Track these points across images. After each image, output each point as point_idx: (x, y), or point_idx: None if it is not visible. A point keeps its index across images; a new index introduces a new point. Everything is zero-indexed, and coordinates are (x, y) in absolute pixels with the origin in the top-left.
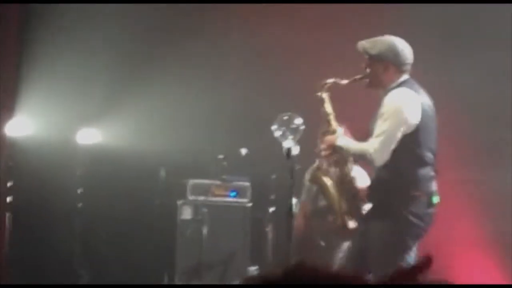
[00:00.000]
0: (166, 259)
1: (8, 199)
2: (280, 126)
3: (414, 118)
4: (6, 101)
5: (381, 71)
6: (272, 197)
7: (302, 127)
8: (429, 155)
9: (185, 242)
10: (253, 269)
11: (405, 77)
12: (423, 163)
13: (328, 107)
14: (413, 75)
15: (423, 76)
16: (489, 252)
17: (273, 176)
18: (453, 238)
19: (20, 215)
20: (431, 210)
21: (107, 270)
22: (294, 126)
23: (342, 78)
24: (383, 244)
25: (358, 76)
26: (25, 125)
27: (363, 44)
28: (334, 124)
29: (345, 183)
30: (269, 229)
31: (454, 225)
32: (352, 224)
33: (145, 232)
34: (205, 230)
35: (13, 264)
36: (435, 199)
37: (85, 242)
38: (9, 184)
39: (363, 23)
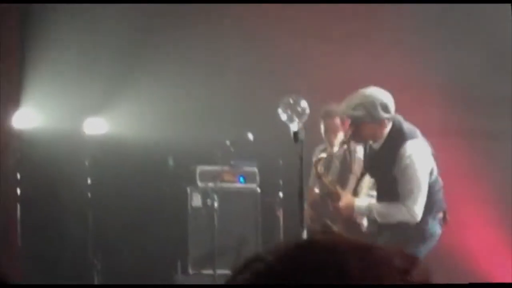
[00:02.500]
0: (178, 246)
1: (18, 191)
2: (285, 109)
3: (431, 163)
4: (12, 93)
5: (378, 130)
6: (280, 181)
7: (308, 110)
8: (439, 181)
9: (197, 228)
10: None
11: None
12: (438, 190)
13: (326, 179)
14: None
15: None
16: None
17: (280, 161)
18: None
19: (30, 207)
20: (440, 230)
21: (119, 259)
22: (299, 109)
23: (331, 149)
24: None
25: (346, 138)
26: (31, 117)
27: (351, 111)
28: (336, 189)
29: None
30: (279, 213)
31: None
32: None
33: (156, 220)
34: (216, 216)
35: (23, 255)
36: (447, 217)
37: (96, 232)
38: (18, 176)
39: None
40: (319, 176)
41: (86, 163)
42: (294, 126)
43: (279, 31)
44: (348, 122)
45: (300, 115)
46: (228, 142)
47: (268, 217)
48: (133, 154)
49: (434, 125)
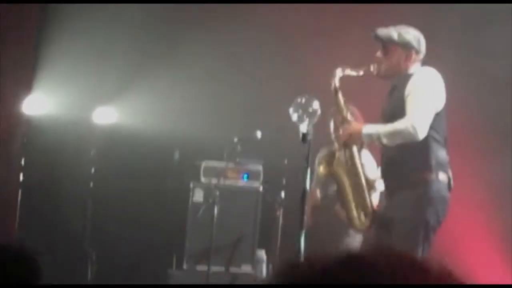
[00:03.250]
0: (176, 240)
1: (20, 176)
2: (296, 109)
3: (442, 98)
4: (25, 78)
5: (403, 59)
6: (284, 181)
7: (319, 111)
8: (445, 141)
9: (196, 224)
10: (261, 253)
11: (419, 66)
12: (444, 146)
13: (342, 99)
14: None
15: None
16: (498, 246)
17: (285, 161)
18: (463, 231)
19: (31, 193)
20: (449, 195)
21: (115, 250)
22: (311, 110)
23: (357, 68)
24: (407, 226)
25: (374, 65)
26: (41, 103)
27: (385, 32)
28: (349, 115)
29: (357, 175)
30: (279, 213)
31: (465, 218)
32: (367, 221)
33: (156, 213)
34: (216, 213)
35: (22, 241)
36: (452, 184)
37: (95, 222)
38: (22, 162)
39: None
40: (336, 92)
41: (92, 152)
42: (303, 127)
43: (293, 30)
44: (360, 118)
45: (311, 116)
46: (235, 139)
47: (267, 216)
48: (139, 146)
49: None
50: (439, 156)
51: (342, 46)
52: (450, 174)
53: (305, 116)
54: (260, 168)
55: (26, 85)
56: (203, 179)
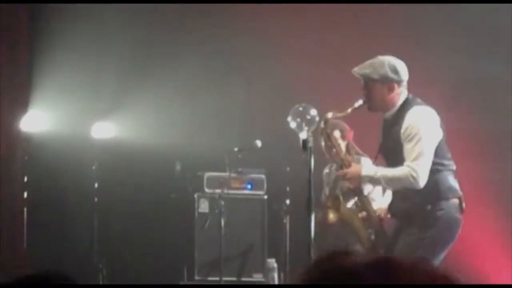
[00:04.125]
0: (185, 252)
1: (25, 194)
2: (295, 117)
3: (439, 132)
4: (21, 96)
5: (386, 93)
6: (288, 189)
7: (317, 118)
8: (452, 163)
9: (203, 235)
10: (271, 261)
11: (406, 93)
12: (450, 170)
13: (334, 141)
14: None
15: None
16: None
17: (288, 168)
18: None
19: (36, 210)
20: (460, 216)
21: (125, 264)
22: (309, 117)
23: (343, 109)
24: (416, 246)
25: (359, 103)
26: (39, 120)
27: (361, 70)
28: (346, 156)
29: (365, 209)
30: (286, 221)
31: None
32: (380, 249)
33: (163, 226)
34: (222, 223)
35: (30, 258)
36: (464, 205)
37: (102, 236)
38: (25, 179)
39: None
40: (329, 137)
41: (94, 167)
42: (303, 134)
43: (290, 38)
44: (350, 133)
45: (309, 123)
46: (236, 149)
47: (274, 224)
48: (141, 159)
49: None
50: (448, 182)
51: (340, 54)
52: (461, 195)
53: (303, 124)
54: (263, 176)
55: (23, 103)
56: (207, 190)
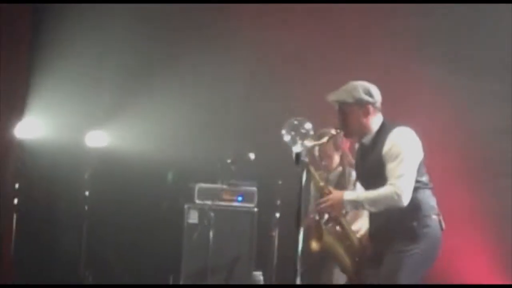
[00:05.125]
0: (172, 262)
1: (15, 200)
2: (289, 130)
3: (421, 153)
4: (16, 103)
5: (362, 116)
6: (278, 202)
7: (312, 132)
8: (429, 181)
9: (192, 245)
10: (257, 274)
11: (381, 117)
12: (429, 188)
13: (312, 171)
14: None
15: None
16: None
17: (280, 182)
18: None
19: (25, 217)
20: (441, 233)
21: (112, 273)
22: (303, 131)
23: (321, 137)
24: (398, 262)
25: (335, 131)
26: (34, 127)
27: (335, 96)
28: (325, 185)
29: (348, 238)
30: (275, 234)
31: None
32: (367, 272)
33: (152, 235)
34: (211, 234)
35: (18, 265)
36: (443, 224)
37: (90, 245)
38: (16, 186)
39: (371, 29)
40: (306, 166)
41: (86, 175)
42: (297, 148)
43: (285, 52)
44: (345, 142)
45: (303, 137)
46: (229, 161)
47: (263, 237)
48: (133, 169)
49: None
50: (429, 199)
51: (337, 68)
52: (440, 213)
53: (297, 138)
54: (254, 189)
55: (18, 110)
56: (197, 201)
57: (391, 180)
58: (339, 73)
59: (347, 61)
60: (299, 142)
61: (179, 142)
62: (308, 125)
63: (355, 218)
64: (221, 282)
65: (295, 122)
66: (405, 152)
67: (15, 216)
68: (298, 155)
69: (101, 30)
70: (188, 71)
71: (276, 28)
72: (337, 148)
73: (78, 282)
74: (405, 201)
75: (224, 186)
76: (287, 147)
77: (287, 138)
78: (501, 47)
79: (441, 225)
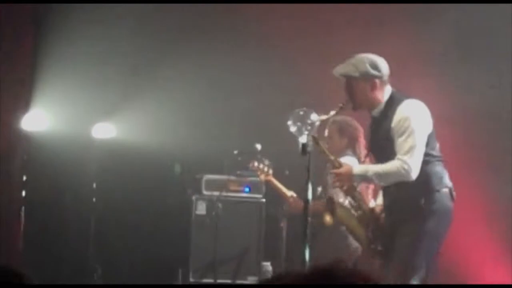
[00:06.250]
0: (180, 254)
1: (23, 193)
2: (295, 121)
3: (430, 125)
4: (23, 95)
5: (369, 90)
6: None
7: (318, 123)
8: (439, 154)
9: (200, 237)
10: (266, 264)
11: (390, 89)
12: (439, 161)
13: (323, 145)
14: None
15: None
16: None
17: (287, 172)
18: (466, 242)
19: (33, 209)
20: (452, 205)
21: (121, 265)
22: (309, 121)
23: (326, 112)
24: (415, 244)
25: (343, 103)
26: (41, 119)
27: (341, 69)
28: (335, 158)
29: (360, 208)
30: (283, 224)
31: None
32: (379, 247)
33: (160, 227)
34: (219, 225)
35: (27, 257)
36: (454, 194)
37: (99, 237)
38: (24, 178)
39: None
40: (316, 141)
41: (93, 168)
42: (303, 138)
43: (292, 43)
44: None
45: (309, 127)
46: (235, 152)
47: (271, 227)
48: (140, 160)
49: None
50: (438, 172)
51: (344, 58)
52: (451, 185)
53: (304, 128)
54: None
55: (24, 102)
56: (205, 192)
57: (399, 154)
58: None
59: (355, 51)
60: (305, 132)
61: (186, 134)
62: (314, 116)
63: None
64: (231, 273)
65: (301, 113)
66: (413, 126)
67: (23, 209)
68: (304, 145)
69: (108, 21)
70: (194, 63)
71: (282, 18)
72: (342, 132)
73: (87, 274)
74: (414, 175)
75: (232, 177)
76: (293, 137)
77: (293, 129)
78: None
79: (452, 196)
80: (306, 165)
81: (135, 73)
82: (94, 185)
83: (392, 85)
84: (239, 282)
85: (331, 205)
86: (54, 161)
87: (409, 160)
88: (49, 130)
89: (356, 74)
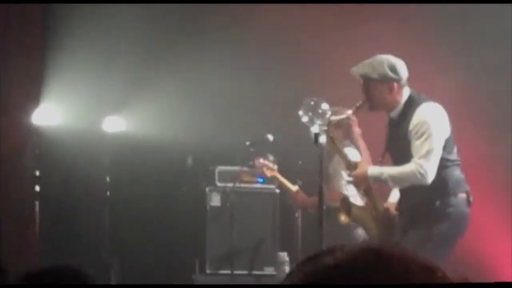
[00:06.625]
0: (196, 246)
1: (36, 188)
2: (306, 111)
3: (448, 129)
4: (33, 90)
5: (387, 92)
6: (299, 183)
7: (329, 113)
8: (457, 157)
9: (215, 229)
10: (283, 255)
11: (408, 90)
12: (457, 165)
13: (338, 144)
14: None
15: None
16: None
17: (300, 162)
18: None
19: (47, 204)
20: (469, 210)
21: (136, 258)
22: (320, 111)
23: (343, 109)
24: (425, 246)
25: (360, 103)
26: (51, 114)
27: (360, 69)
28: (351, 158)
29: (375, 208)
30: (298, 214)
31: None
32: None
33: (175, 220)
34: (234, 217)
35: (43, 252)
36: (471, 199)
37: (113, 230)
38: (37, 173)
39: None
40: (332, 140)
41: (105, 161)
42: (315, 128)
43: (302, 33)
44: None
45: (321, 117)
46: (248, 143)
47: (286, 218)
48: (152, 153)
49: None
50: (455, 176)
51: (353, 49)
52: (468, 189)
53: (315, 118)
54: None
55: (34, 97)
56: (218, 184)
57: (416, 158)
58: (357, 55)
59: (365, 43)
60: (317, 122)
61: (197, 126)
62: (325, 105)
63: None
64: (247, 264)
65: (312, 103)
66: (431, 130)
67: (37, 204)
68: (316, 135)
69: (117, 14)
70: (205, 53)
71: (293, 10)
72: (336, 124)
73: (102, 268)
74: (429, 179)
75: (245, 168)
76: (305, 127)
77: (304, 119)
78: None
79: (468, 202)
80: (319, 154)
81: (145, 67)
82: (108, 179)
83: (411, 86)
84: (255, 273)
85: (346, 205)
86: (66, 156)
87: (425, 164)
88: (60, 124)
89: (375, 76)
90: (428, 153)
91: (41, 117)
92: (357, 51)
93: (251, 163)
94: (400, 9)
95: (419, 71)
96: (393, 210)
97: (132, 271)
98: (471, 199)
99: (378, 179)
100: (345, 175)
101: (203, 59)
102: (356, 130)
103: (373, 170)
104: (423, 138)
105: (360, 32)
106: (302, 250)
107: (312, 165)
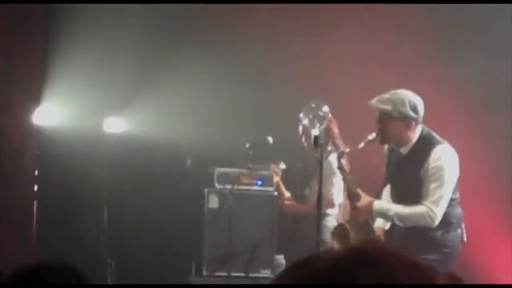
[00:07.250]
0: (193, 247)
1: (35, 187)
2: (307, 114)
3: (458, 171)
4: (34, 90)
5: (403, 130)
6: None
7: (329, 116)
8: (459, 194)
9: (212, 230)
10: (279, 258)
11: (420, 127)
12: (459, 202)
13: (348, 176)
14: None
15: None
16: None
17: (299, 165)
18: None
19: (46, 203)
20: (460, 247)
21: (133, 259)
22: (321, 114)
23: (356, 143)
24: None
25: (372, 136)
26: (51, 114)
27: (380, 105)
28: (356, 189)
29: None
30: (291, 219)
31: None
32: None
33: (172, 221)
34: (232, 219)
35: (41, 252)
36: (465, 237)
37: (112, 231)
38: (35, 173)
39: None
40: (342, 169)
41: (105, 162)
42: (315, 131)
43: (303, 35)
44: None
45: (321, 120)
46: (247, 145)
47: (284, 220)
48: (152, 154)
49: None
50: (457, 214)
51: (354, 53)
52: (464, 227)
53: (315, 121)
54: None
55: (35, 96)
56: (217, 185)
57: (427, 201)
58: (358, 59)
59: (366, 48)
60: (317, 125)
61: (197, 127)
62: (325, 108)
63: None
64: (244, 266)
65: (313, 105)
66: (446, 176)
67: (35, 203)
68: (316, 138)
69: (118, 15)
70: (204, 55)
71: (295, 14)
72: (332, 125)
73: (100, 268)
74: (436, 223)
75: (244, 170)
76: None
77: (305, 121)
78: None
79: (462, 238)
80: (319, 157)
81: (146, 67)
82: (107, 179)
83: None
84: (252, 275)
85: (344, 234)
86: (66, 156)
87: (435, 209)
88: (60, 124)
89: (395, 115)
90: (440, 198)
91: (41, 117)
92: (357, 51)
93: (270, 168)
94: (399, 10)
95: (416, 73)
96: (380, 233)
97: (128, 272)
98: (464, 237)
99: (384, 215)
100: (335, 182)
101: (203, 61)
102: (336, 131)
103: (380, 205)
104: (437, 183)
105: (360, 33)
106: (299, 253)
107: (311, 168)
